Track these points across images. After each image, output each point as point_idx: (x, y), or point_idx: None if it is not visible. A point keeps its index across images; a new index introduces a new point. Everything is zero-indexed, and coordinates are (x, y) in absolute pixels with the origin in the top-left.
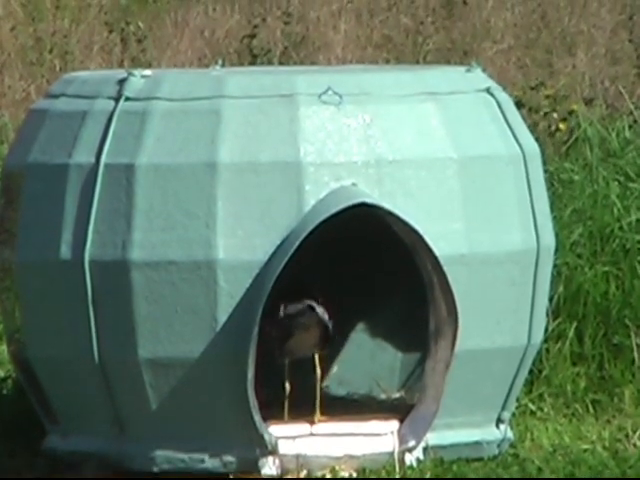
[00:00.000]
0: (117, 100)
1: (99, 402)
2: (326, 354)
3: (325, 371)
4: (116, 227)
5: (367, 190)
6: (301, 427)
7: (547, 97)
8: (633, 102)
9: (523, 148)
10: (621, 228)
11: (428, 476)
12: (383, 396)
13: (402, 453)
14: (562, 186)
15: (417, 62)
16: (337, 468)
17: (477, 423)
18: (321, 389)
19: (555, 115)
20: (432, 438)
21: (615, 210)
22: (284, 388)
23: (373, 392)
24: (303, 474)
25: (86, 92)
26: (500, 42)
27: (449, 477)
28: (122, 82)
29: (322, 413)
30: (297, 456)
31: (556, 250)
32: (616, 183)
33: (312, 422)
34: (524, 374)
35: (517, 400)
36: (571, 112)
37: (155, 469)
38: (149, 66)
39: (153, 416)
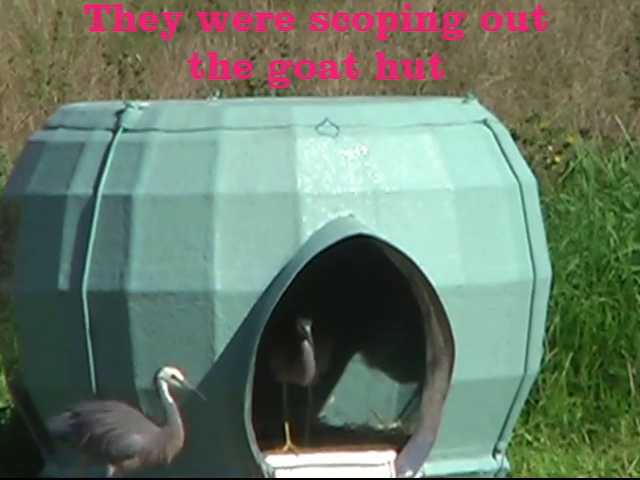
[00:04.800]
0: (115, 131)
1: None
2: (322, 384)
3: (321, 402)
4: (114, 258)
5: (364, 221)
6: (298, 457)
7: (543, 130)
8: (629, 133)
9: (519, 179)
10: (617, 259)
11: None
12: (380, 426)
13: None
14: (558, 217)
15: (413, 94)
16: None
17: (474, 453)
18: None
19: (550, 148)
20: (429, 468)
21: (611, 241)
22: None
23: (370, 422)
24: None
25: (84, 124)
26: (496, 74)
27: None
28: (120, 114)
29: (317, 444)
30: None
31: (552, 281)
32: (612, 214)
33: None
34: (520, 404)
35: (513, 430)
36: (566, 145)
37: None
38: (147, 98)
39: None
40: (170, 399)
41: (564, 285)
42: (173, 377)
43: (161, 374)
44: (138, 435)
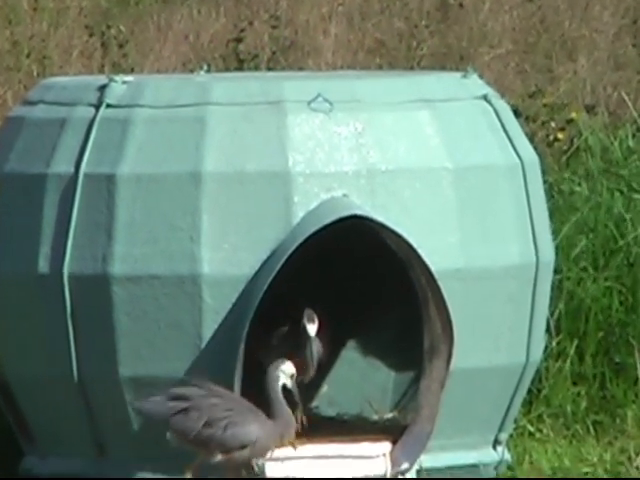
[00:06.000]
0: (97, 107)
1: (78, 422)
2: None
3: (314, 391)
4: (96, 240)
5: (359, 201)
6: (289, 449)
7: (545, 105)
8: (637, 109)
9: (521, 158)
10: (625, 242)
11: None
12: (375, 417)
13: (395, 476)
14: (562, 197)
15: (411, 68)
16: None
17: (473, 445)
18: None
19: (553, 124)
20: (426, 460)
21: (619, 223)
22: None
23: (364, 413)
24: None
25: (65, 99)
26: (498, 47)
27: None
28: (103, 88)
29: (308, 435)
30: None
31: (556, 264)
32: (619, 194)
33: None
34: (522, 394)
35: (515, 421)
36: (570, 121)
37: None
38: (131, 72)
39: (134, 437)
40: (280, 393)
41: (569, 269)
42: (292, 377)
43: (283, 367)
44: (254, 425)
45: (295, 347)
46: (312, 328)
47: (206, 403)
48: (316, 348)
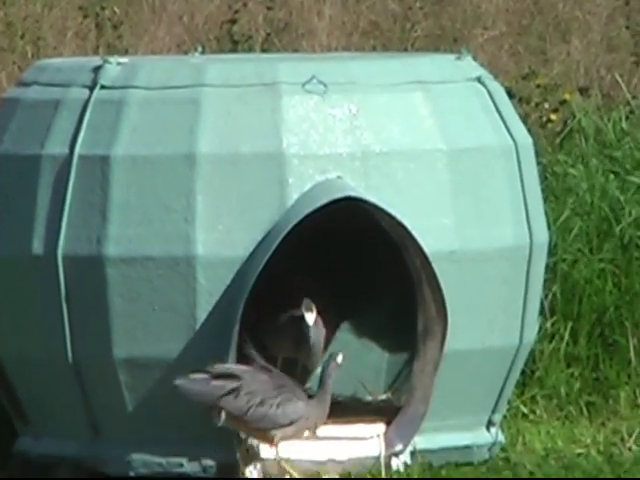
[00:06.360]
0: (92, 88)
1: (73, 403)
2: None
3: (307, 372)
4: (91, 221)
5: (353, 183)
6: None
7: (538, 86)
8: (630, 91)
9: (515, 139)
10: (619, 224)
11: None
12: (369, 398)
13: (388, 457)
14: (556, 179)
15: (405, 49)
16: (321, 473)
17: (467, 426)
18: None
19: (547, 105)
20: (420, 442)
21: (614, 205)
22: None
23: (358, 394)
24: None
25: (59, 80)
26: (491, 28)
27: None
28: (97, 70)
29: None
30: (279, 461)
31: (550, 246)
32: (613, 176)
33: None
34: (516, 375)
35: (508, 402)
36: (563, 102)
37: (131, 473)
38: (125, 53)
39: (129, 418)
40: (332, 381)
41: (563, 251)
42: (338, 366)
43: (338, 358)
44: (301, 402)
45: (298, 334)
46: (310, 317)
47: (256, 381)
48: (316, 335)
